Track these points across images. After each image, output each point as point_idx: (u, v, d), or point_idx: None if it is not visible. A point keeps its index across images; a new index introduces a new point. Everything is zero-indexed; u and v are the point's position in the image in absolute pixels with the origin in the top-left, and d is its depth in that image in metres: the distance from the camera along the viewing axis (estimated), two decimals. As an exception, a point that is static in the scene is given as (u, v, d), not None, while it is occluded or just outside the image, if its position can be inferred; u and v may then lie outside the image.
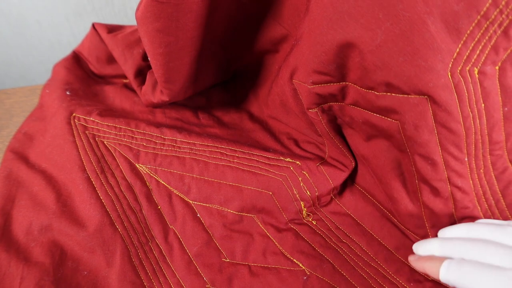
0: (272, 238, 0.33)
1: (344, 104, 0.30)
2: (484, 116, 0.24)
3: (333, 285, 0.30)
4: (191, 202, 0.34)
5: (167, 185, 0.34)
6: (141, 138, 0.37)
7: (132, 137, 0.37)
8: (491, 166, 0.25)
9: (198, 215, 0.33)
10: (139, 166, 0.35)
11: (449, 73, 0.23)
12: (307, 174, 0.34)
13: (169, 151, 0.36)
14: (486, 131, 0.24)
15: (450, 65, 0.23)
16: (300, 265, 0.31)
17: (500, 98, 0.24)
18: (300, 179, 0.34)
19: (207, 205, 0.34)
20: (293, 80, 0.31)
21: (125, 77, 0.47)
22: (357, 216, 0.34)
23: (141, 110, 0.42)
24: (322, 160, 0.35)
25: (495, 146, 0.24)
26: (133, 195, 0.34)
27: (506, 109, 0.24)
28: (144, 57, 0.42)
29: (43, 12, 0.47)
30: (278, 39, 0.36)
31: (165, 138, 0.37)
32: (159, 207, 0.34)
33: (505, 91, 0.23)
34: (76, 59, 0.46)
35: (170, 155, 0.36)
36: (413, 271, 0.30)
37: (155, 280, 0.30)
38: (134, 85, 0.42)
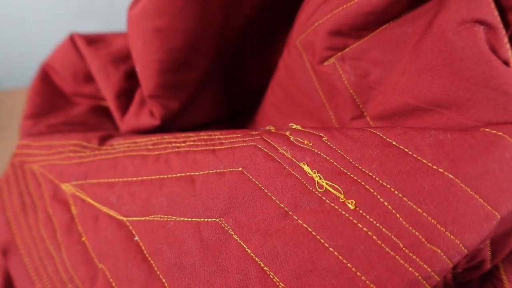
0: (257, 260, 0.17)
1: None
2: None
3: None
4: (124, 219, 0.21)
5: (94, 202, 0.22)
6: (69, 150, 0.25)
7: (62, 152, 0.26)
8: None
9: (136, 238, 0.20)
10: (64, 185, 0.24)
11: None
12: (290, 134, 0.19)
13: (98, 155, 0.24)
14: None
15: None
16: None
17: None
18: (288, 133, 0.19)
19: (145, 218, 0.20)
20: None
21: (102, 98, 0.38)
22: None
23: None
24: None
25: None
26: (51, 231, 0.22)
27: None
28: (130, 76, 0.32)
29: (44, 12, 0.47)
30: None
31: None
32: (83, 238, 0.21)
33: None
34: (44, 80, 0.38)
35: (97, 160, 0.23)
36: None
37: None
38: (114, 107, 0.31)
